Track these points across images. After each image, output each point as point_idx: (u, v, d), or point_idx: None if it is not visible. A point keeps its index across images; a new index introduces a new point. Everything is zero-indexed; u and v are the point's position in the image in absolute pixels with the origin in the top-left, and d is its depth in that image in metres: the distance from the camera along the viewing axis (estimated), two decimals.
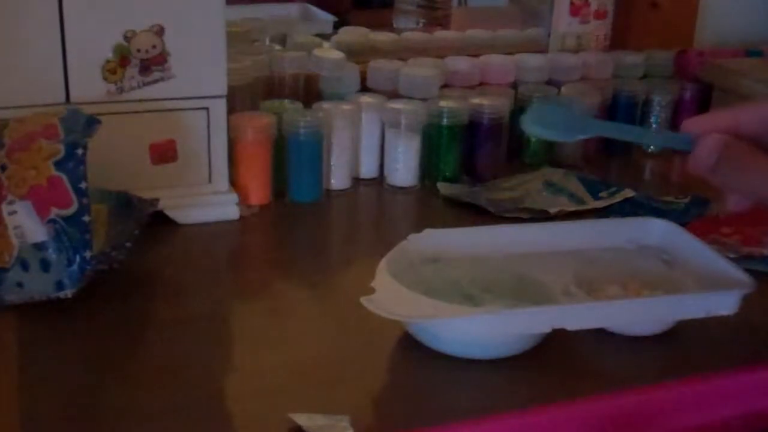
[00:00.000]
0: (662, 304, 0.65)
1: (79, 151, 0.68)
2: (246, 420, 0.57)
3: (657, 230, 0.76)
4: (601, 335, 0.67)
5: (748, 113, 0.56)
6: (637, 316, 0.65)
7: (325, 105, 0.96)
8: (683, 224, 0.78)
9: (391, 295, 0.62)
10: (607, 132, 0.63)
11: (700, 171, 0.56)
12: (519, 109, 1.05)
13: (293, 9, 1.32)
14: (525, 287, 0.68)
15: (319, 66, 1.01)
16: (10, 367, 0.62)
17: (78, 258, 0.68)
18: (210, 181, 0.86)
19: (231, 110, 0.86)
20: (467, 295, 0.67)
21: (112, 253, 0.71)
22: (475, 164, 1.00)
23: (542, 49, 1.18)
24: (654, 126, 1.12)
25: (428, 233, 0.72)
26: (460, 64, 1.07)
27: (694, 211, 0.91)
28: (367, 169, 0.99)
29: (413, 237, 0.71)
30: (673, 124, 1.13)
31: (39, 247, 0.68)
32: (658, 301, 0.66)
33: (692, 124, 0.57)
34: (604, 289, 0.68)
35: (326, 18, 1.31)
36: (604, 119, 1.09)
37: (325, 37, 1.18)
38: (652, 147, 0.98)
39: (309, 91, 1.01)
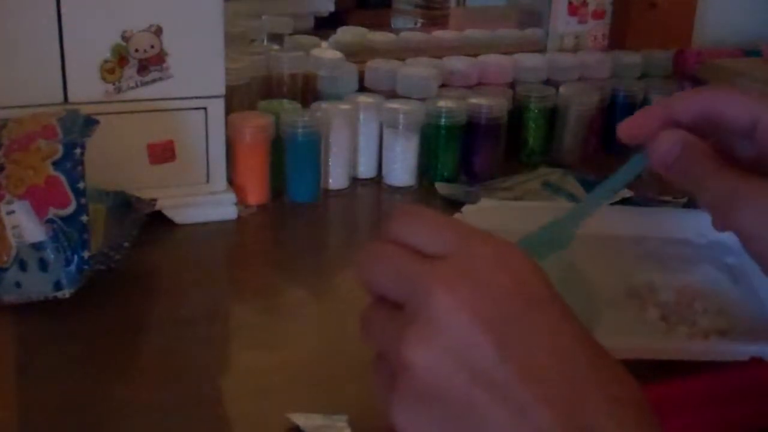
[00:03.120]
0: (703, 347, 0.62)
1: (77, 151, 0.68)
2: (244, 420, 0.57)
3: None
4: None
5: (682, 103, 0.54)
6: (671, 355, 0.62)
7: (323, 105, 0.96)
8: None
9: None
10: (584, 213, 0.59)
11: (658, 169, 0.54)
12: (517, 108, 1.06)
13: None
14: (570, 284, 0.65)
15: (317, 66, 1.01)
16: (8, 367, 0.62)
17: (76, 258, 0.68)
18: (208, 180, 0.86)
19: (229, 110, 0.86)
20: None
21: (110, 253, 0.71)
22: (473, 164, 1.00)
23: (540, 49, 1.18)
24: None
25: (484, 204, 0.68)
26: (459, 63, 1.07)
27: None
28: (365, 169, 0.99)
29: (467, 209, 0.67)
30: None
31: (37, 247, 0.68)
32: (698, 344, 0.63)
33: (628, 128, 0.53)
34: (657, 294, 0.65)
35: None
36: (602, 119, 1.09)
37: (332, 30, 1.18)
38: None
39: (307, 91, 1.01)
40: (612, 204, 0.92)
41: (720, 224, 0.53)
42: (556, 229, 0.61)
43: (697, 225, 0.71)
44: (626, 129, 0.54)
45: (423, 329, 0.34)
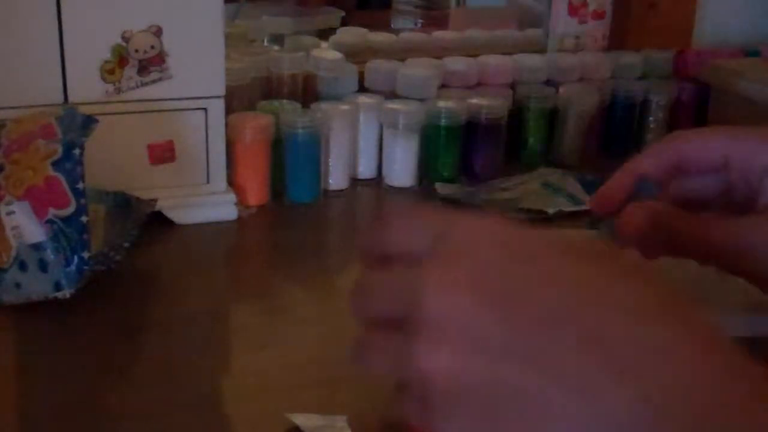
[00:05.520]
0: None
1: (77, 152, 0.68)
2: (243, 420, 0.57)
3: None
4: None
5: (650, 162, 0.53)
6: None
7: (323, 105, 0.96)
8: None
9: None
10: None
11: (629, 243, 0.53)
12: (517, 109, 1.06)
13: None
14: None
15: (317, 66, 1.01)
16: (8, 368, 0.62)
17: (76, 258, 0.68)
18: (208, 181, 0.86)
19: (229, 110, 0.86)
20: None
21: (110, 254, 0.71)
22: (473, 165, 1.00)
23: (540, 50, 1.18)
24: (651, 126, 1.12)
25: None
26: (459, 64, 1.07)
27: None
28: (365, 169, 0.99)
29: None
30: (671, 124, 1.13)
31: (37, 247, 0.68)
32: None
33: (598, 202, 0.54)
34: None
35: (332, 10, 1.30)
36: (603, 120, 1.09)
37: (332, 31, 1.18)
38: None
39: (307, 92, 1.00)
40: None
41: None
42: None
43: None
44: (597, 203, 0.55)
45: (430, 334, 0.32)
